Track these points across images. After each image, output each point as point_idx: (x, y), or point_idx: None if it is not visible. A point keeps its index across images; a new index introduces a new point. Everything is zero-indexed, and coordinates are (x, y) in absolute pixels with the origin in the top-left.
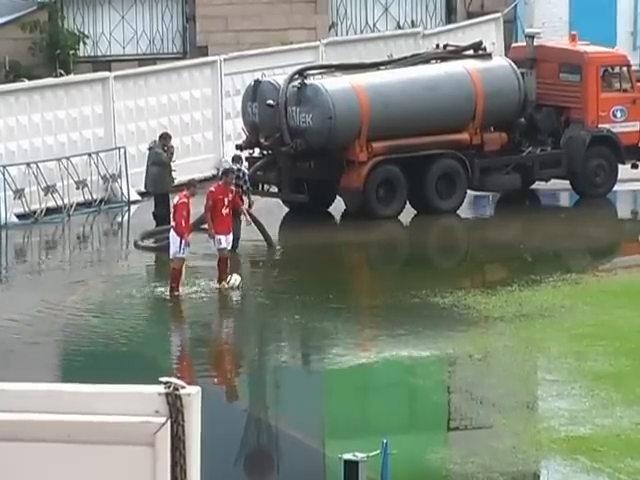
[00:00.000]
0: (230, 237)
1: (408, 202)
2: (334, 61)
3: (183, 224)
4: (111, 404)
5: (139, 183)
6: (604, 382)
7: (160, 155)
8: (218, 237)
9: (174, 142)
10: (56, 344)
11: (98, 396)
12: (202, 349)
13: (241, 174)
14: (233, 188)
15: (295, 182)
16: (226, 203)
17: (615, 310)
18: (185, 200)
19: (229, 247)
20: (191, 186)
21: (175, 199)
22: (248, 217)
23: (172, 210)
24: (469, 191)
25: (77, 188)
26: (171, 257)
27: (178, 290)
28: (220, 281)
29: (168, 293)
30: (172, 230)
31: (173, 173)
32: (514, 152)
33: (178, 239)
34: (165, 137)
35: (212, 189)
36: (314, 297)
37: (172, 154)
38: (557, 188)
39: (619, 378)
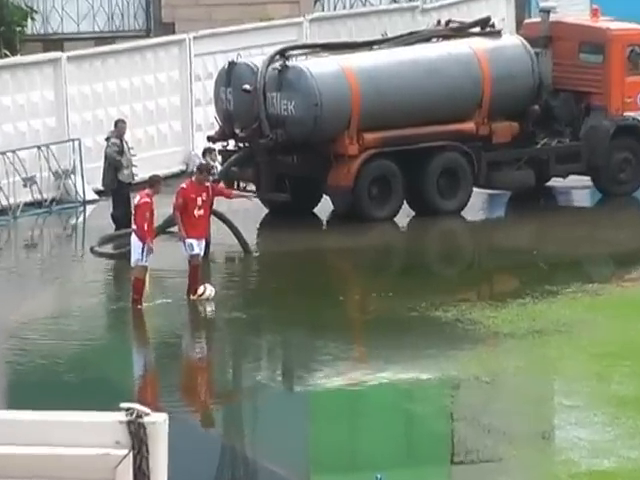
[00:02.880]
0: (203, 243)
1: (405, 202)
2: (320, 40)
3: (145, 227)
4: (67, 434)
5: (96, 180)
6: (630, 408)
7: (108, 147)
8: (189, 241)
9: (137, 132)
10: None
11: (53, 425)
12: (169, 370)
13: (212, 170)
14: (208, 184)
15: (275, 179)
16: (199, 203)
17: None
18: (147, 200)
19: (202, 253)
20: (154, 183)
21: (136, 198)
22: (248, 194)
23: (133, 211)
24: (475, 189)
25: (24, 186)
26: (132, 265)
27: (141, 303)
28: (190, 292)
29: (131, 305)
30: (133, 234)
31: (134, 169)
32: (527, 144)
33: (140, 244)
34: (119, 125)
35: (183, 186)
36: (297, 311)
37: (124, 146)
38: (576, 186)
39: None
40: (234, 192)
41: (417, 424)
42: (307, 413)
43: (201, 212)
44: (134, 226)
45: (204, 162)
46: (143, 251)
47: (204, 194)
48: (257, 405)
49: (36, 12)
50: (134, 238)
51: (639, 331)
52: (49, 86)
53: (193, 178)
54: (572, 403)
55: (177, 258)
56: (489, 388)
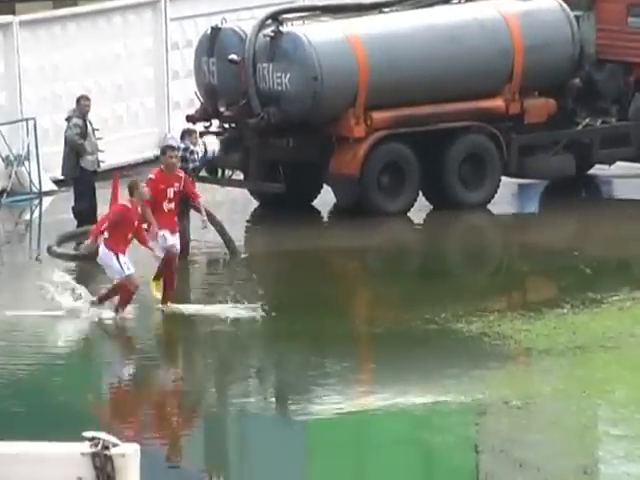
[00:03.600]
0: (177, 236)
1: (421, 194)
2: (320, 1)
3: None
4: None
5: (55, 167)
6: None
7: (68, 129)
8: (161, 233)
9: (103, 111)
10: None
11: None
12: (142, 392)
13: (191, 155)
14: (181, 174)
15: (267, 166)
16: (170, 195)
17: None
18: (123, 208)
19: (178, 247)
20: (132, 190)
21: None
22: (204, 215)
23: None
24: (504, 179)
25: None
26: (117, 282)
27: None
28: (166, 297)
29: (115, 314)
30: (101, 245)
31: (99, 154)
32: (566, 125)
33: (111, 255)
34: (82, 102)
35: (151, 176)
36: (291, 321)
37: (87, 127)
38: (624, 174)
39: None
40: (199, 201)
41: (436, 457)
42: (305, 445)
43: (171, 206)
44: (105, 233)
45: (170, 144)
46: (119, 260)
47: (175, 184)
48: (243, 433)
49: None
50: (101, 249)
51: None
52: None
53: (162, 166)
54: (620, 432)
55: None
56: (521, 414)
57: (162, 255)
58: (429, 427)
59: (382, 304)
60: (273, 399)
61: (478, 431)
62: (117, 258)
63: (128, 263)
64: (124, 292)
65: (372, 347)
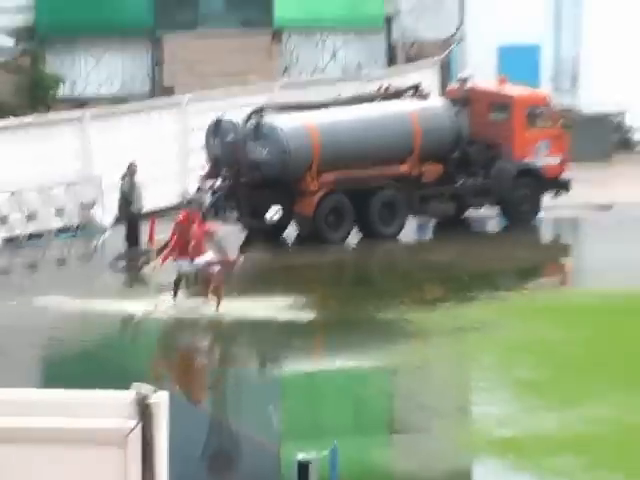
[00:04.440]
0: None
1: (355, 228)
2: (288, 101)
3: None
4: (86, 409)
5: (113, 211)
6: (529, 389)
7: (122, 185)
8: (197, 261)
9: (146, 172)
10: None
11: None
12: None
13: (204, 203)
14: (198, 218)
15: (253, 209)
16: (191, 232)
17: (538, 324)
18: (181, 219)
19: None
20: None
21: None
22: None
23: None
24: (409, 218)
25: (57, 215)
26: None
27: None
28: (215, 301)
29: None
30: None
31: (142, 202)
32: (449, 183)
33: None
34: (131, 167)
35: (180, 217)
36: (270, 309)
37: (134, 184)
38: (488, 215)
39: (542, 386)
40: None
41: (364, 403)
42: (277, 392)
43: (192, 241)
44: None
45: (194, 197)
46: (195, 262)
47: (194, 224)
48: (239, 385)
49: (64, 81)
50: (196, 261)
51: (538, 329)
52: (76, 137)
53: (187, 210)
54: (485, 385)
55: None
56: (421, 374)
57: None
58: (358, 382)
59: (327, 300)
60: (256, 360)
61: (391, 385)
62: (195, 260)
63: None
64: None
65: (321, 329)
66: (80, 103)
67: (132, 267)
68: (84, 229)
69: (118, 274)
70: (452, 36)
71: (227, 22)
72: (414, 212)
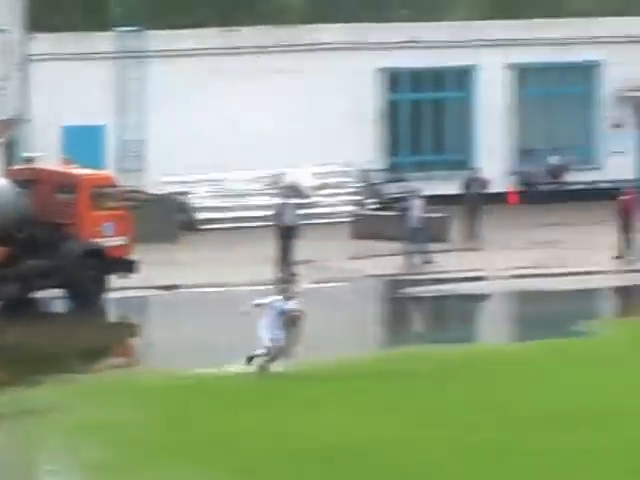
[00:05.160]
0: None
1: None
2: None
3: None
4: None
5: None
6: (97, 471)
7: None
8: None
9: None
10: None
11: None
12: None
13: None
14: None
15: None
16: None
17: (107, 405)
18: None
19: None
20: None
21: None
22: None
23: None
24: None
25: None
26: None
27: None
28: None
29: None
30: None
31: None
32: (14, 263)
33: None
34: None
35: None
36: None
37: None
38: (56, 295)
39: (111, 467)
40: None
41: None
42: None
43: None
44: None
45: None
46: None
47: None
48: None
49: None
50: None
51: (107, 410)
52: None
53: None
54: (53, 468)
55: None
56: None
57: None
58: None
59: None
60: None
61: None
62: None
63: None
64: None
65: None
66: None
67: None
68: None
69: None
70: (15, 116)
71: None
72: None
